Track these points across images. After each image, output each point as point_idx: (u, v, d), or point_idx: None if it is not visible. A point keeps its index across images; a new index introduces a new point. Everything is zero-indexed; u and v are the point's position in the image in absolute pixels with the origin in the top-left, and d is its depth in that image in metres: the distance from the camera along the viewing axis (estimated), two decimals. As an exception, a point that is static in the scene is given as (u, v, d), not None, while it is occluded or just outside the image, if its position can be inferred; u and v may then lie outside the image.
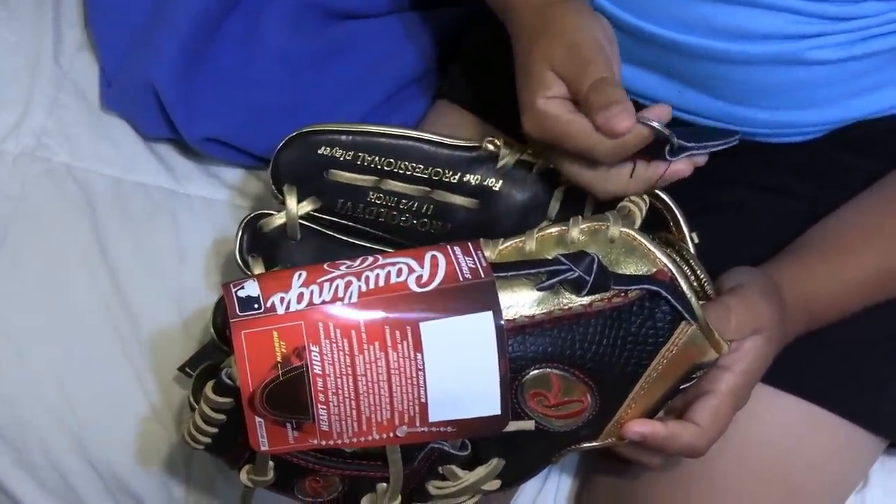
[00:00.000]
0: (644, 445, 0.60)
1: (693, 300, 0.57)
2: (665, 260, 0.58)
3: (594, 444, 0.59)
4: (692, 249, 0.64)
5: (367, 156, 0.66)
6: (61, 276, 0.75)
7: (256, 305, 0.48)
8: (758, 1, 0.70)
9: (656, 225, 0.65)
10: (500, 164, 0.66)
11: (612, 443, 0.59)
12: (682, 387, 0.59)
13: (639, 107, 0.62)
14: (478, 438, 0.56)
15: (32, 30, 0.84)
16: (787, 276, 0.69)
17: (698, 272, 0.62)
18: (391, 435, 0.50)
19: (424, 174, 0.66)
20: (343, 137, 0.66)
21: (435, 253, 0.53)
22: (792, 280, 0.69)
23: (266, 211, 0.65)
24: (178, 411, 0.71)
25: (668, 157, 0.62)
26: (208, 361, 0.58)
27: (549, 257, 0.56)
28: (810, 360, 0.70)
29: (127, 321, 0.73)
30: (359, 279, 0.50)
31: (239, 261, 0.64)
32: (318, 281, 0.49)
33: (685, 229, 0.65)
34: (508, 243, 0.58)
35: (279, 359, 0.47)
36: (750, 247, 0.72)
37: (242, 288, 0.49)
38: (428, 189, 0.66)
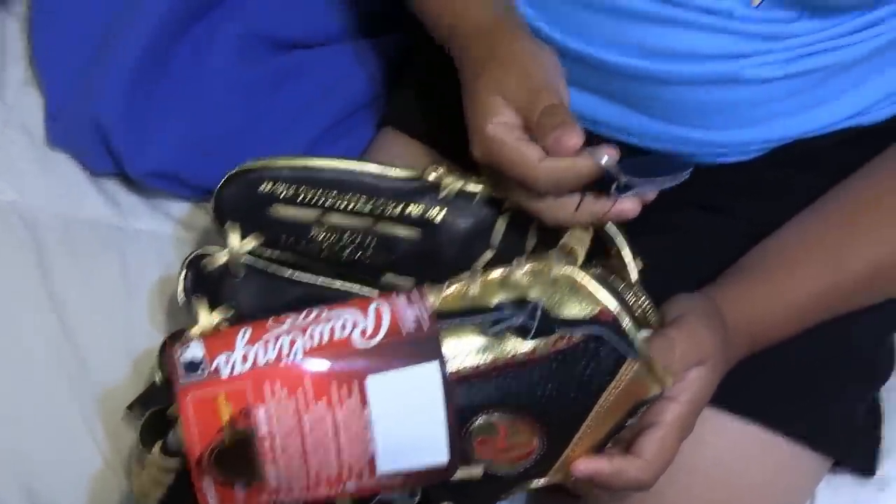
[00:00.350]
0: (591, 482, 0.61)
1: (637, 338, 0.58)
2: (608, 299, 0.59)
3: (543, 481, 0.60)
4: (636, 275, 0.65)
5: (308, 190, 0.67)
6: (6, 315, 0.75)
7: (201, 368, 0.50)
8: (692, 22, 0.71)
9: (601, 249, 0.66)
10: (443, 193, 0.66)
11: (561, 480, 0.59)
12: (628, 422, 0.59)
13: (588, 133, 0.63)
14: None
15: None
16: (729, 299, 0.70)
17: (641, 301, 0.63)
18: (340, 489, 0.51)
19: (367, 207, 0.66)
20: (284, 173, 0.66)
21: (379, 304, 0.54)
22: (734, 303, 0.70)
23: (209, 247, 0.66)
24: (128, 456, 0.71)
25: (615, 194, 0.63)
26: (155, 406, 0.59)
27: (493, 303, 0.57)
28: (754, 381, 0.71)
29: (74, 362, 0.73)
30: (303, 335, 0.51)
31: (182, 302, 0.64)
32: (263, 339, 0.50)
33: (628, 257, 0.66)
34: (451, 289, 0.59)
35: (226, 421, 0.48)
36: (694, 269, 0.73)
37: (188, 348, 0.50)
38: (371, 221, 0.66)
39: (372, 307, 0.54)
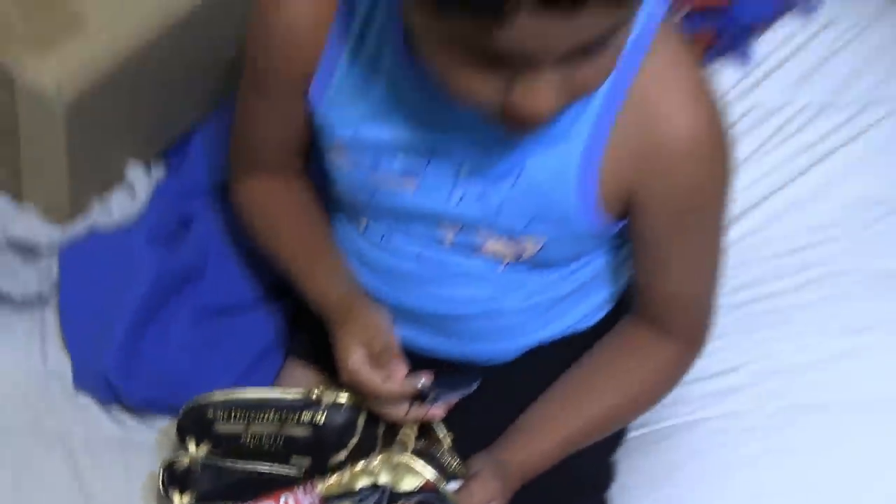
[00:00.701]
0: None
1: (450, 495, 0.73)
2: (430, 473, 0.74)
3: None
4: (448, 444, 0.78)
5: (238, 411, 0.79)
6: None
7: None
8: (467, 280, 0.80)
9: (428, 429, 0.79)
10: (323, 404, 0.79)
11: None
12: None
13: (409, 353, 0.75)
14: None
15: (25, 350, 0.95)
16: (507, 452, 0.80)
17: (453, 462, 0.77)
18: None
19: (276, 417, 0.79)
20: (221, 403, 0.80)
21: (286, 497, 0.74)
22: (510, 455, 0.79)
23: (177, 454, 0.80)
24: None
25: (429, 403, 0.74)
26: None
27: (358, 488, 0.74)
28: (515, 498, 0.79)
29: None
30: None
31: (161, 492, 0.80)
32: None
33: (442, 433, 0.79)
34: (332, 479, 0.76)
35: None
36: (485, 435, 0.81)
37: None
38: (279, 426, 0.79)
39: (282, 498, 0.74)
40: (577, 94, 0.62)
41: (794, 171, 1.09)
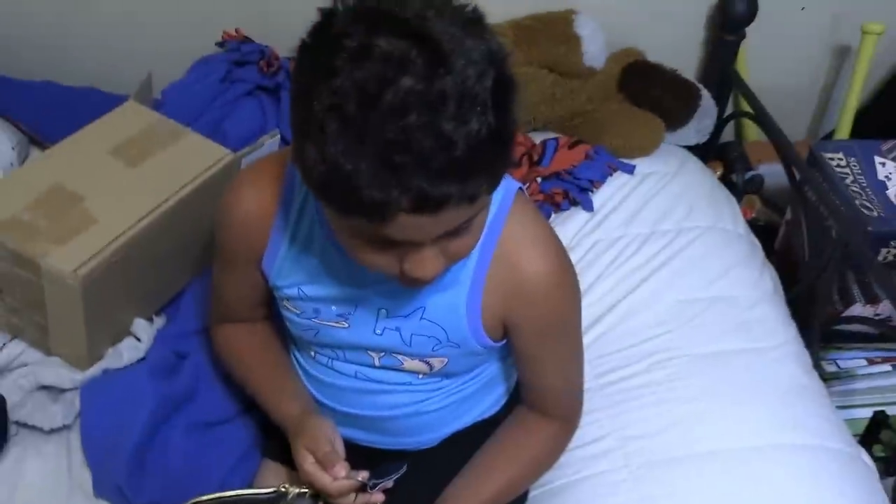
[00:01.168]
0: None
1: None
2: None
3: None
4: None
5: None
6: None
7: None
8: (392, 389, 0.81)
9: None
10: (289, 497, 0.78)
11: None
12: None
13: (352, 446, 0.75)
14: None
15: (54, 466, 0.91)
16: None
17: None
18: None
19: None
20: (211, 499, 0.79)
21: None
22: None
23: None
24: None
25: (369, 491, 0.75)
26: None
27: None
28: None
29: None
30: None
31: None
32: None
33: None
34: None
35: None
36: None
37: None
38: None
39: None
40: (453, 260, 0.66)
41: (633, 283, 1.12)
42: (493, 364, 0.86)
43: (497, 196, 0.73)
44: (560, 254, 0.76)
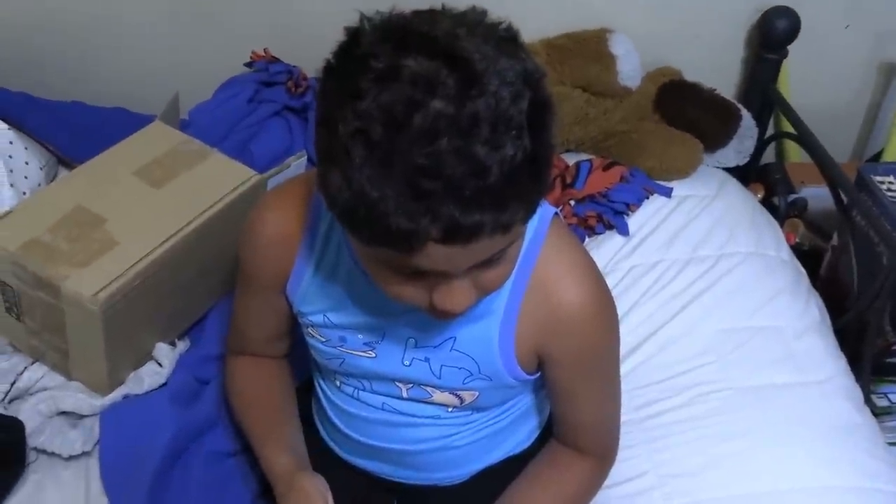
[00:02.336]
0: None
1: None
2: None
3: None
4: None
5: None
6: None
7: None
8: (422, 423, 0.78)
9: None
10: None
11: None
12: None
13: (381, 483, 0.73)
14: None
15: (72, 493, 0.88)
16: None
17: None
18: None
19: None
20: None
21: None
22: None
23: None
24: None
25: None
26: None
27: None
28: None
29: None
30: None
31: None
32: None
33: None
34: None
35: None
36: None
37: None
38: None
39: None
40: (485, 292, 0.63)
41: (672, 311, 1.08)
42: (526, 397, 0.82)
43: (532, 222, 0.68)
44: (598, 282, 0.73)
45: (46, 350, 0.95)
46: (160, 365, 0.97)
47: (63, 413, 0.93)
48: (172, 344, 1.00)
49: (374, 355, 0.74)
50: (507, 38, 0.56)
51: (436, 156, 0.52)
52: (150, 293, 0.92)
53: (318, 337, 0.76)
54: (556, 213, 0.73)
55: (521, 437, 0.85)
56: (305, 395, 0.89)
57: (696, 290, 1.10)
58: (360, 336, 0.74)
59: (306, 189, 0.74)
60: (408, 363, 0.74)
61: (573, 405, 0.78)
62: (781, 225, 1.29)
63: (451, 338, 0.72)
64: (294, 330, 0.83)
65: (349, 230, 0.58)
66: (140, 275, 0.90)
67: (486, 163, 0.52)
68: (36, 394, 0.95)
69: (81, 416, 0.93)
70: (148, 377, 0.96)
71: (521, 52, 0.56)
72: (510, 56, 0.54)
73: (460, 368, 0.73)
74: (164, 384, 0.96)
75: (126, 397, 0.94)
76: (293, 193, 0.75)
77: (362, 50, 0.54)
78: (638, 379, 1.00)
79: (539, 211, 0.68)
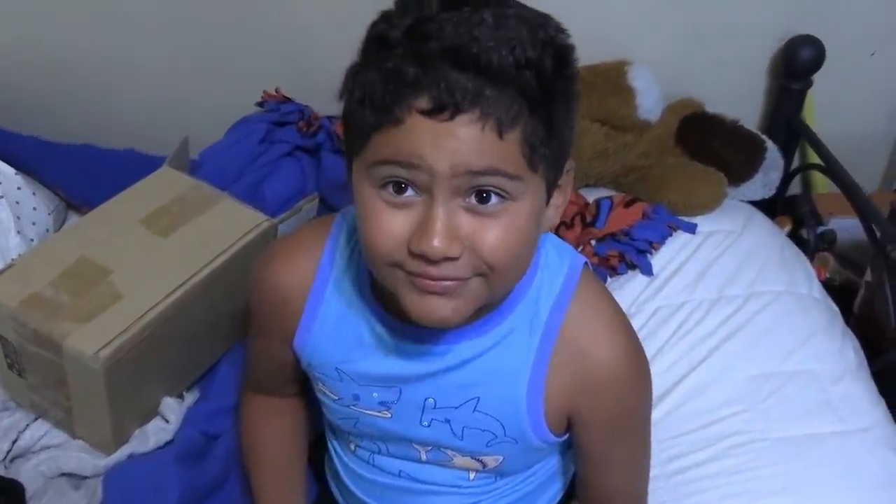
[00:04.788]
0: None
1: None
2: None
3: None
4: None
5: None
6: None
7: None
8: (441, 491, 0.73)
9: None
10: None
11: None
12: None
13: None
14: None
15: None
16: None
17: None
18: None
19: None
20: None
21: None
22: None
23: None
24: None
25: None
26: None
27: None
28: None
29: None
30: None
31: None
32: None
33: None
34: None
35: None
36: None
37: None
38: None
39: None
40: (477, 259, 0.57)
41: (700, 355, 1.02)
42: (552, 459, 0.76)
43: (560, 272, 0.67)
44: (633, 338, 0.69)
45: (49, 407, 0.91)
46: (167, 420, 0.93)
47: (66, 476, 0.88)
48: (180, 397, 0.95)
49: (389, 416, 0.70)
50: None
51: (444, 25, 0.53)
52: (156, 347, 0.88)
53: (330, 395, 0.72)
54: (587, 264, 0.69)
55: (545, 501, 0.78)
56: (319, 450, 0.84)
57: (724, 333, 1.04)
58: (375, 394, 0.69)
59: (315, 237, 0.71)
60: (427, 424, 0.69)
61: (603, 472, 0.72)
62: (811, 259, 1.23)
63: (474, 398, 0.67)
64: (304, 377, 0.78)
65: (353, 114, 0.57)
66: (145, 329, 0.85)
67: (486, 40, 0.53)
68: (38, 453, 0.90)
69: (84, 477, 0.88)
70: (154, 434, 0.91)
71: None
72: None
73: (484, 431, 0.68)
74: (171, 440, 0.91)
75: (131, 456, 0.89)
76: (301, 243, 0.72)
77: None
78: (666, 430, 0.94)
79: (568, 259, 0.67)
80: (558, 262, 0.67)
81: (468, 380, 0.66)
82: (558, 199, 0.63)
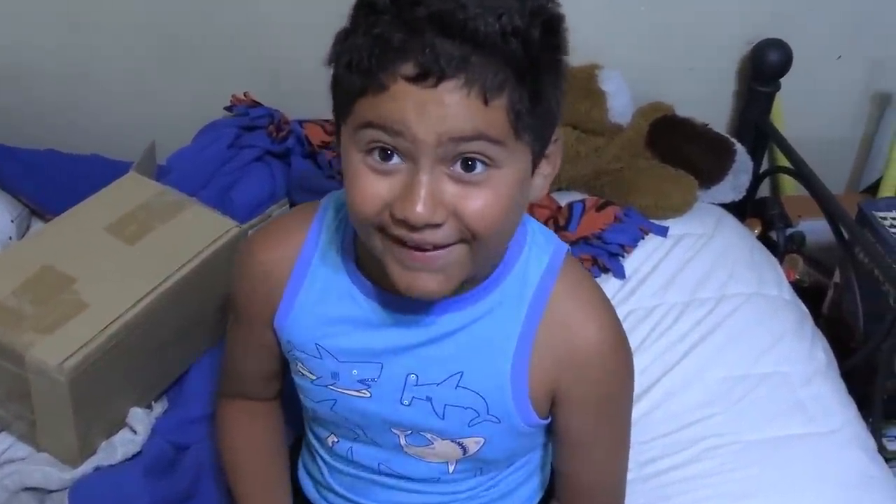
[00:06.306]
0: None
1: None
2: None
3: None
4: None
5: None
6: None
7: None
8: (420, 489, 0.73)
9: None
10: None
11: None
12: None
13: None
14: None
15: None
16: None
17: None
18: None
19: None
20: None
21: None
22: None
23: None
24: None
25: None
26: None
27: None
28: None
29: None
30: None
31: None
32: None
33: None
34: None
35: None
36: None
37: None
38: None
39: None
40: (461, 225, 0.58)
41: (673, 359, 1.02)
42: (533, 456, 0.76)
43: (547, 251, 0.68)
44: (615, 318, 0.70)
45: (13, 420, 0.89)
46: (134, 431, 0.90)
47: (30, 492, 0.86)
48: (148, 407, 0.93)
49: (368, 395, 0.69)
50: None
51: None
52: (123, 357, 0.86)
53: (308, 374, 0.71)
54: (569, 250, 0.70)
55: (524, 498, 0.77)
56: (292, 455, 0.83)
57: (697, 336, 1.05)
58: (354, 371, 0.68)
59: (303, 216, 0.72)
60: (407, 402, 0.68)
61: (583, 459, 0.72)
62: (780, 261, 1.25)
63: (457, 373, 0.67)
64: (284, 371, 0.78)
65: (336, 80, 0.57)
66: (111, 339, 0.84)
67: (477, 8, 0.52)
68: (1, 467, 0.88)
69: (50, 491, 0.86)
70: (122, 446, 0.89)
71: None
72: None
73: (466, 408, 0.68)
74: (139, 452, 0.89)
75: (98, 468, 0.87)
76: (288, 221, 0.74)
77: None
78: (641, 433, 0.93)
79: (552, 244, 0.69)
80: (544, 241, 0.69)
81: (452, 353, 0.66)
82: (546, 169, 0.63)
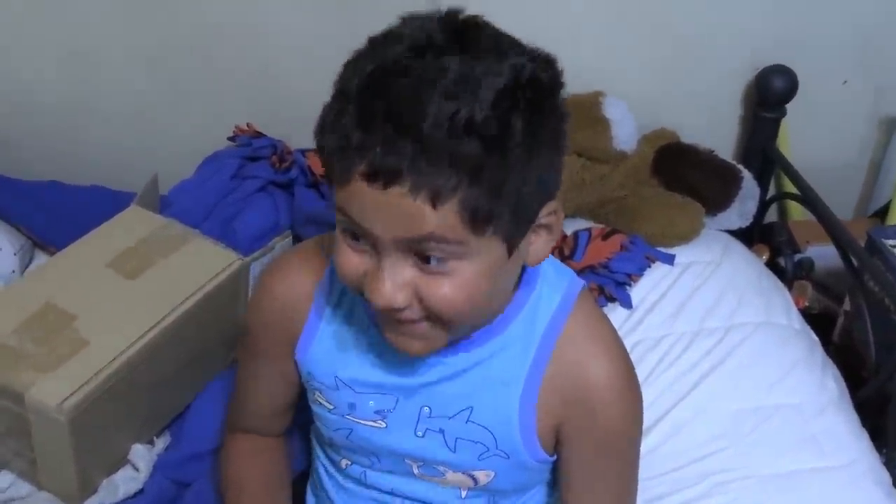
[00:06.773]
0: None
1: None
2: None
3: None
4: None
5: None
6: None
7: None
8: None
9: None
10: None
11: None
12: None
13: None
14: None
15: None
16: None
17: None
18: None
19: None
20: None
21: None
22: None
23: None
24: None
25: None
26: None
27: None
28: None
29: None
30: None
31: None
32: None
33: None
34: None
35: None
36: None
37: None
38: None
39: None
40: (430, 308, 0.59)
41: (682, 391, 1.01)
42: (541, 490, 0.76)
43: (559, 289, 0.68)
44: (626, 359, 0.70)
45: (13, 458, 0.88)
46: (136, 469, 0.90)
47: (29, 531, 0.86)
48: (150, 443, 0.92)
49: (384, 425, 0.70)
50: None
51: (392, 80, 0.53)
52: (124, 395, 0.85)
53: (326, 404, 0.72)
54: (585, 286, 0.70)
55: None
56: (300, 486, 0.83)
57: (706, 367, 1.04)
58: (371, 403, 0.70)
59: (317, 251, 0.73)
60: (421, 434, 0.70)
61: (590, 497, 0.71)
62: (789, 287, 1.24)
63: (467, 408, 0.68)
64: (296, 405, 0.79)
65: (322, 153, 0.58)
66: (111, 377, 0.83)
67: (428, 104, 0.52)
68: (1, 506, 0.88)
69: (50, 532, 0.86)
70: (123, 484, 0.88)
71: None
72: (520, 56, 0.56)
73: (476, 442, 0.69)
74: (141, 490, 0.88)
75: (98, 509, 0.87)
76: (306, 253, 0.74)
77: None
78: (649, 468, 0.92)
79: (567, 280, 0.70)
80: (557, 279, 0.69)
81: (462, 390, 0.68)
82: (544, 236, 0.62)
